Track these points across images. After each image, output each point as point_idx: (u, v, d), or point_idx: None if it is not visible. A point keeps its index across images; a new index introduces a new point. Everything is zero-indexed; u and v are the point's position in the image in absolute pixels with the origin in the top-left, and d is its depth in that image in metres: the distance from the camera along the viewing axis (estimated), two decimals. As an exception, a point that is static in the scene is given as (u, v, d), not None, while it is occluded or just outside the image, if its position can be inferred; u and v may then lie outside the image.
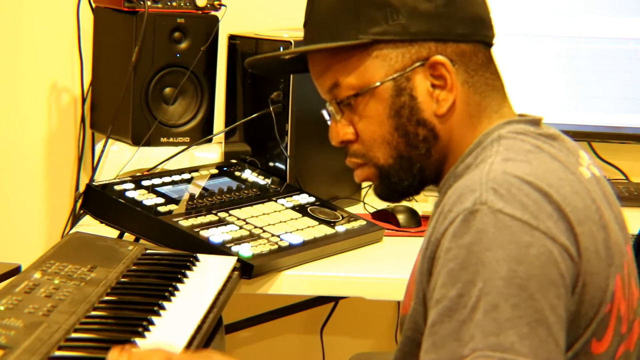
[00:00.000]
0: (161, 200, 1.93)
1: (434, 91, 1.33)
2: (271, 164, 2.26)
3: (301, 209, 2.04)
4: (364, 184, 2.39)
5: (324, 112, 1.42)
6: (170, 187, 2.01)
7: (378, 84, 1.34)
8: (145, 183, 1.99)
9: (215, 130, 2.39)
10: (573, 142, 1.38)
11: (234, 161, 2.25)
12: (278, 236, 1.88)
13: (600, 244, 1.24)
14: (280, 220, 1.96)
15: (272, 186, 2.13)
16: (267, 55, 1.50)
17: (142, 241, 1.88)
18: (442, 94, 1.33)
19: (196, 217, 1.89)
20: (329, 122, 1.42)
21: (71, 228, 2.21)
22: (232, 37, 2.33)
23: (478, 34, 1.36)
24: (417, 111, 1.34)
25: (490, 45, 1.38)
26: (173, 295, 1.56)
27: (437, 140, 1.35)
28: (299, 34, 1.96)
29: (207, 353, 1.33)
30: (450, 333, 1.14)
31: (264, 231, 1.90)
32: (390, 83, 1.34)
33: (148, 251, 1.77)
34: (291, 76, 2.18)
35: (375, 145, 1.37)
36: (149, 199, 1.91)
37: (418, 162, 1.36)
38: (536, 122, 1.34)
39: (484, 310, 1.13)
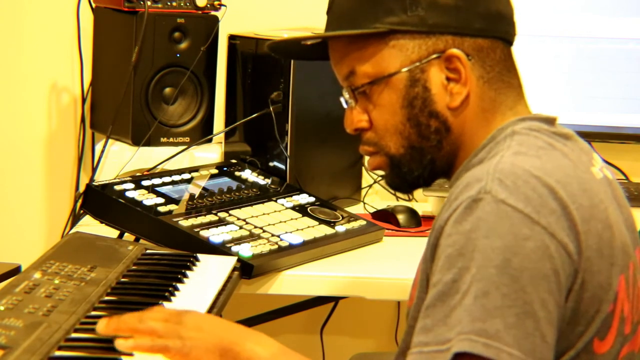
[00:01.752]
0: (161, 200, 1.93)
1: (449, 84, 1.35)
2: (271, 164, 2.26)
3: (301, 209, 2.04)
4: (364, 184, 2.39)
5: (342, 99, 1.43)
6: (170, 187, 2.01)
7: (393, 73, 1.35)
8: (145, 183, 1.99)
9: (215, 130, 2.39)
10: (586, 143, 1.39)
11: (234, 161, 2.25)
12: (278, 236, 1.88)
13: (605, 243, 1.25)
14: (280, 220, 1.96)
15: (272, 186, 2.13)
16: (288, 39, 1.51)
17: (142, 241, 1.88)
18: (456, 87, 1.34)
19: (196, 217, 1.89)
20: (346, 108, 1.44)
21: (71, 228, 2.21)
22: (232, 37, 2.33)
23: (497, 30, 1.36)
24: (430, 103, 1.35)
25: (510, 42, 1.39)
26: (173, 295, 1.56)
27: (448, 132, 1.36)
28: (299, 34, 1.95)
29: (187, 310, 1.35)
30: (442, 317, 1.16)
31: (264, 231, 1.90)
32: (405, 73, 1.35)
33: (148, 251, 1.77)
34: (291, 76, 2.18)
35: (387, 135, 1.38)
36: (149, 199, 1.91)
37: (429, 154, 1.37)
38: (551, 121, 1.35)
39: (474, 296, 1.14)
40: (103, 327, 1.29)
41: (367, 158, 1.45)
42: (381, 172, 1.45)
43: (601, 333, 1.25)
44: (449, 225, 1.20)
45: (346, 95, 1.41)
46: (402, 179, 1.41)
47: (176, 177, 2.06)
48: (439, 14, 1.34)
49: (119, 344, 1.28)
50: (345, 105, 1.43)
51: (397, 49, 1.35)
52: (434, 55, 1.34)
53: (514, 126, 1.32)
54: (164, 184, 2.01)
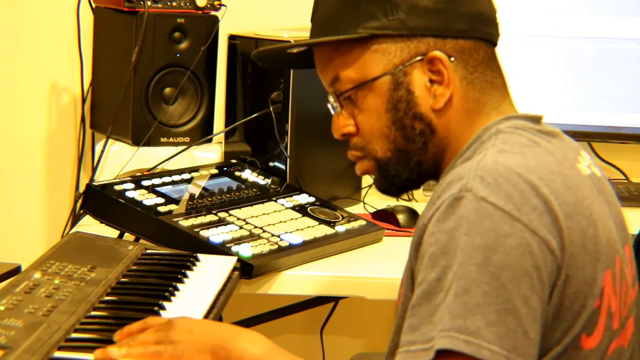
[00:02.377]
0: (161, 200, 1.93)
1: (432, 86, 1.35)
2: (271, 164, 2.26)
3: (301, 209, 2.04)
4: (364, 184, 2.39)
5: (329, 105, 1.43)
6: (170, 187, 2.01)
7: (376, 77, 1.36)
8: (145, 183, 1.99)
9: (215, 130, 2.39)
10: (574, 142, 1.39)
11: (234, 161, 2.25)
12: (278, 236, 1.88)
13: (589, 239, 1.25)
14: (280, 220, 1.96)
15: (272, 186, 2.13)
16: (273, 48, 1.52)
17: (142, 241, 1.88)
18: (439, 89, 1.35)
19: (196, 217, 1.89)
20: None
21: (71, 228, 2.21)
22: (232, 37, 2.33)
23: (479, 31, 1.37)
24: (413, 105, 1.36)
25: (493, 43, 1.39)
26: (173, 295, 1.56)
27: (433, 134, 1.36)
28: (299, 34, 1.96)
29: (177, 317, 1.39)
30: (427, 316, 1.17)
31: (264, 231, 1.90)
32: (388, 77, 1.36)
33: (148, 251, 1.77)
34: (291, 76, 2.18)
35: (373, 139, 1.39)
36: (149, 199, 1.91)
37: (415, 156, 1.38)
38: (536, 119, 1.36)
39: (455, 293, 1.15)
40: (99, 353, 1.32)
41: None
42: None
43: (588, 329, 1.25)
44: (432, 223, 1.22)
45: (332, 101, 1.42)
46: (390, 182, 1.42)
47: (176, 177, 2.06)
48: (419, 17, 1.34)
49: (112, 350, 1.32)
50: (332, 111, 1.44)
51: (380, 53, 1.36)
52: (417, 58, 1.35)
53: (499, 125, 1.33)
54: (164, 184, 2.01)
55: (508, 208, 1.18)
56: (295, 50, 1.47)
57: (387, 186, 1.44)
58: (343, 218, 2.04)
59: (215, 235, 1.82)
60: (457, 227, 1.18)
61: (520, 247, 1.17)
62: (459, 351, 1.13)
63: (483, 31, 1.37)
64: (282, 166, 2.23)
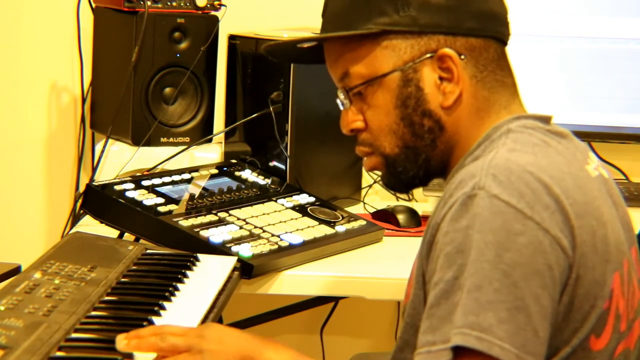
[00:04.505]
0: (161, 200, 1.93)
1: (441, 83, 1.36)
2: (271, 164, 2.26)
3: (301, 209, 2.04)
4: (364, 184, 2.39)
5: (337, 101, 1.44)
6: (170, 187, 2.01)
7: (386, 73, 1.36)
8: (145, 183, 1.99)
9: (215, 130, 2.39)
10: (582, 143, 1.40)
11: (234, 161, 2.25)
12: (278, 236, 1.88)
13: (599, 240, 1.26)
14: (280, 220, 1.96)
15: (272, 186, 2.13)
16: (283, 42, 1.51)
17: (142, 241, 1.88)
18: (448, 86, 1.35)
19: (196, 217, 1.89)
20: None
21: (71, 228, 2.21)
22: (232, 37, 2.33)
23: (490, 29, 1.37)
24: (423, 102, 1.36)
25: (504, 42, 1.39)
26: (173, 295, 1.56)
27: (442, 131, 1.37)
28: (299, 34, 1.95)
29: (207, 324, 1.38)
30: (446, 315, 1.17)
31: (264, 231, 1.90)
32: (398, 73, 1.36)
33: (148, 251, 1.77)
34: (291, 76, 2.18)
35: (382, 135, 1.39)
36: (149, 199, 1.91)
37: (423, 153, 1.38)
38: (546, 119, 1.36)
39: (467, 290, 1.16)
40: (123, 345, 1.30)
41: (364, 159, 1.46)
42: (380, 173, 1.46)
43: (597, 330, 1.26)
44: (446, 222, 1.22)
45: (341, 96, 1.42)
46: (397, 178, 1.42)
47: (176, 177, 2.06)
48: (430, 14, 1.35)
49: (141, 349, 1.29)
50: (341, 107, 1.44)
51: (390, 50, 1.36)
52: (427, 55, 1.35)
53: (509, 124, 1.33)
54: (164, 184, 2.01)
55: (520, 206, 1.19)
56: (305, 45, 1.47)
57: (394, 182, 1.44)
58: (343, 218, 2.04)
59: (215, 235, 1.82)
60: (471, 225, 1.18)
61: (532, 246, 1.17)
62: (471, 347, 1.13)
63: (494, 30, 1.38)
64: (282, 166, 2.23)
